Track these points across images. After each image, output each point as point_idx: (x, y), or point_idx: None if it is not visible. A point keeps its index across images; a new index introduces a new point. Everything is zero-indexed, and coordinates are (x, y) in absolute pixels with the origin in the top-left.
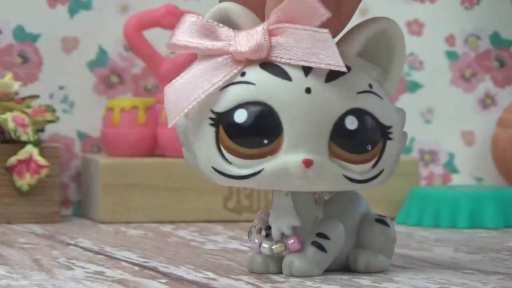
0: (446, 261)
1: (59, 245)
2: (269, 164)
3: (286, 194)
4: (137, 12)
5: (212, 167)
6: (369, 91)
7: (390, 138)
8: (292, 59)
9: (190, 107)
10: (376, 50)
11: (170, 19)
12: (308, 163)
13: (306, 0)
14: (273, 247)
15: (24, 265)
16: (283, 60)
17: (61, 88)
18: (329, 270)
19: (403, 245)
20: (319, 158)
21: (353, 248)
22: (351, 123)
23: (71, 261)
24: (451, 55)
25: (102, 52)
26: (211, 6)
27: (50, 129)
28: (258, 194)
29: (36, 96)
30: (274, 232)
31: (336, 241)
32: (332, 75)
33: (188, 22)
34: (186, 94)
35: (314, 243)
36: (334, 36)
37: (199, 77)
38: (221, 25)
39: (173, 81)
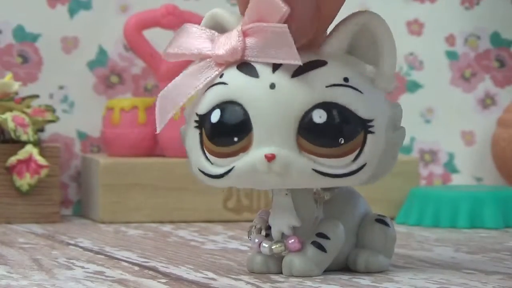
0: (446, 261)
1: (59, 245)
2: (240, 162)
3: (286, 194)
4: (137, 12)
5: (198, 168)
6: (342, 84)
7: (370, 132)
8: (261, 57)
9: (174, 112)
10: (362, 45)
11: (170, 19)
12: (270, 158)
13: None
14: (272, 247)
15: (24, 265)
16: (253, 59)
17: (61, 88)
18: (329, 270)
19: (403, 245)
20: (285, 152)
21: (353, 248)
22: (319, 116)
23: (71, 261)
24: (451, 55)
25: (102, 52)
26: (211, 5)
27: (50, 129)
28: (258, 194)
29: (36, 96)
30: (274, 232)
31: (336, 241)
32: (299, 70)
33: (184, 31)
34: (171, 100)
35: (314, 243)
36: (316, 36)
37: (184, 82)
38: (207, 30)
39: (165, 87)
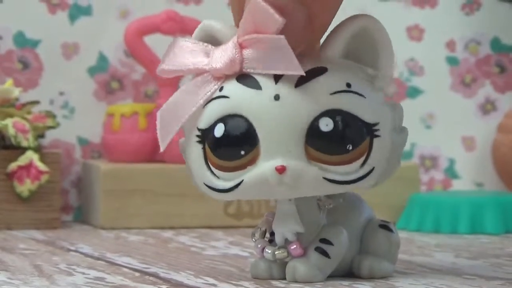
0: (446, 267)
1: (59, 251)
2: (248, 175)
3: (290, 200)
4: (137, 17)
5: (203, 183)
6: (346, 90)
7: (376, 135)
8: (261, 68)
9: (177, 128)
10: (360, 49)
11: (170, 25)
12: (281, 170)
13: (261, 8)
14: (276, 252)
15: (25, 271)
16: (253, 70)
17: (61, 94)
18: (332, 276)
19: (404, 251)
20: (295, 163)
21: (357, 254)
22: (326, 124)
23: (72, 267)
24: (452, 61)
25: (102, 58)
26: (211, 11)
27: (50, 135)
28: (258, 200)
29: (37, 102)
30: (278, 238)
31: (340, 247)
32: (302, 80)
33: (176, 46)
34: (172, 117)
35: (317, 249)
36: (309, 44)
37: (183, 98)
38: (204, 44)
39: (164, 104)
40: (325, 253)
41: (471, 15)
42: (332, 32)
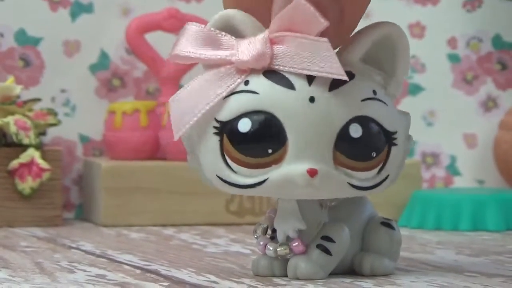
0: (448, 264)
1: (61, 248)
2: (274, 174)
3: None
4: (139, 15)
5: (217, 175)
6: (373, 98)
7: (394, 144)
8: (295, 68)
9: (196, 119)
10: (380, 55)
11: (171, 22)
12: (313, 173)
13: (305, 9)
14: (277, 249)
15: (26, 268)
16: (286, 68)
17: (63, 91)
18: (333, 273)
19: (405, 248)
20: (323, 167)
21: (359, 251)
22: (355, 131)
23: (73, 264)
24: (453, 58)
25: (104, 55)
26: (213, 8)
27: (52, 132)
28: (260, 197)
29: (38, 100)
30: (279, 235)
31: (341, 244)
32: (335, 83)
33: (190, 31)
34: (191, 106)
35: (319, 246)
36: (338, 45)
37: (203, 88)
38: (223, 33)
39: (177, 93)
40: (326, 250)
41: (472, 12)
42: (355, 36)
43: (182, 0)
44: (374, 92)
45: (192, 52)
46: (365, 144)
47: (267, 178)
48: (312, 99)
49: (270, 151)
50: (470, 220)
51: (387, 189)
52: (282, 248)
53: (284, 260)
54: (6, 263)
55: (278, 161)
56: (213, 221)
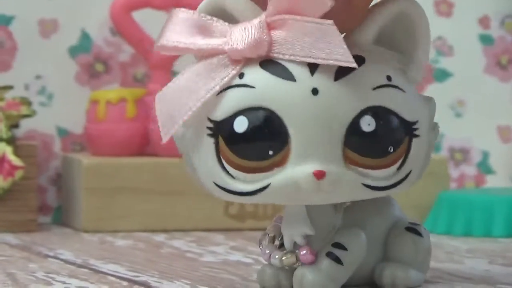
0: (479, 275)
1: (36, 257)
2: (277, 178)
3: None
4: None
5: (213, 182)
6: (387, 84)
7: (416, 135)
8: (296, 55)
9: (186, 118)
10: (396, 34)
11: None
12: (320, 175)
13: None
14: (283, 258)
15: None
16: (286, 56)
17: (38, 77)
18: (350, 285)
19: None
20: (333, 167)
21: (381, 260)
22: (368, 124)
23: (51, 275)
24: (485, 39)
25: (85, 37)
26: None
27: (25, 124)
28: None
29: (10, 87)
30: (286, 242)
31: (355, 253)
32: (342, 72)
33: (177, 18)
34: (180, 103)
35: (329, 255)
36: (346, 30)
37: (194, 82)
38: (214, 19)
39: (165, 87)
40: (337, 260)
41: None
42: (365, 15)
43: None
44: (389, 77)
45: (181, 42)
46: (380, 138)
47: (269, 184)
48: (315, 91)
49: (271, 152)
50: (504, 225)
51: (410, 189)
52: (288, 257)
53: (292, 270)
54: None
55: (281, 163)
56: (210, 226)
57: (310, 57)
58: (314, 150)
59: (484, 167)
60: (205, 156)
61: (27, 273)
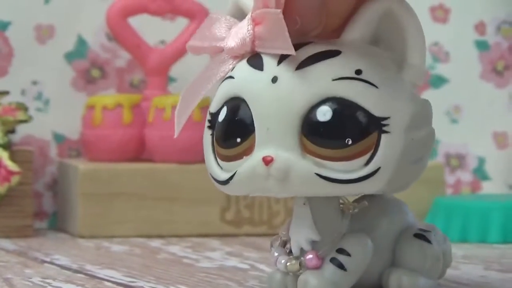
0: (475, 281)
1: (32, 262)
2: (242, 166)
3: (304, 203)
4: None
5: (210, 173)
6: (353, 77)
7: (385, 131)
8: (265, 48)
9: (190, 112)
10: (386, 34)
11: (159, 4)
12: (267, 161)
13: None
14: (287, 264)
15: None
16: (262, 50)
17: (34, 83)
18: None
19: None
20: (286, 155)
21: (388, 267)
22: (323, 114)
23: (47, 280)
24: (481, 45)
25: (81, 42)
26: None
27: (22, 130)
28: (260, 205)
29: (6, 93)
30: (293, 247)
31: (359, 259)
32: (306, 62)
33: (210, 20)
34: (189, 99)
35: (333, 260)
36: (325, 34)
37: (203, 77)
38: (228, 19)
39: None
40: (341, 266)
41: None
42: (357, 13)
43: None
44: (358, 72)
45: (196, 42)
46: (336, 129)
47: (236, 171)
48: (274, 79)
49: (238, 140)
50: (500, 231)
51: (405, 194)
52: (292, 263)
53: (297, 276)
54: None
55: (249, 151)
56: (206, 232)
57: (272, 48)
58: (272, 138)
59: (480, 173)
60: (206, 149)
61: (23, 278)
